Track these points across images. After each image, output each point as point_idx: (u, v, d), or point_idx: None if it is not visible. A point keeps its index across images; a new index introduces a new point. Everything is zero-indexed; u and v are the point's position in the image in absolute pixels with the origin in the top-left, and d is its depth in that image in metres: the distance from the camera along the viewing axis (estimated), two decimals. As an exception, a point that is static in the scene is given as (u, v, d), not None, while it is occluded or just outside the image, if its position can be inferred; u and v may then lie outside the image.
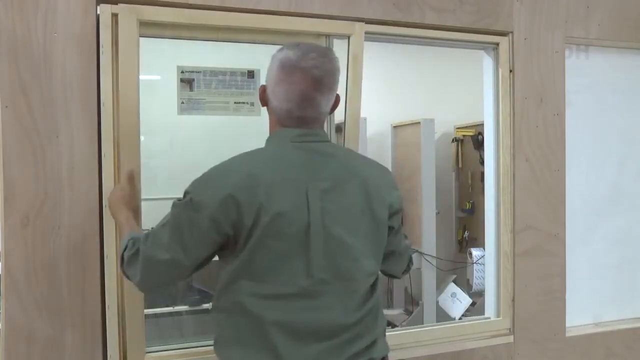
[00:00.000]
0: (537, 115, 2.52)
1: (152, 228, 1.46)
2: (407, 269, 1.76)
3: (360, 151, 3.66)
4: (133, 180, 1.83)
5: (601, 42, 2.68)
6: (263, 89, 1.47)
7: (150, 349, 2.04)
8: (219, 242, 1.36)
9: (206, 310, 3.48)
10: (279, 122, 1.45)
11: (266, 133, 1.52)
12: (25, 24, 1.82)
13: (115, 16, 1.91)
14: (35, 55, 1.83)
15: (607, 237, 2.76)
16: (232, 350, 1.39)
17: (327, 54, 1.44)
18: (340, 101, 1.56)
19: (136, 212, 1.78)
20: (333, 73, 1.43)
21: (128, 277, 1.48)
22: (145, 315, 2.00)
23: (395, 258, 1.64)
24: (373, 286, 1.48)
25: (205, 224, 1.32)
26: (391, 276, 1.75)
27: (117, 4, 1.89)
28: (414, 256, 3.79)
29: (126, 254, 1.45)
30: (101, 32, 1.90)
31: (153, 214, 3.42)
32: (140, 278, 1.41)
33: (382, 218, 1.45)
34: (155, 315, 3.40)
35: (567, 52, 2.61)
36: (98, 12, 1.91)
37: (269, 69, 1.46)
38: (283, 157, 1.38)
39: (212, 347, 1.51)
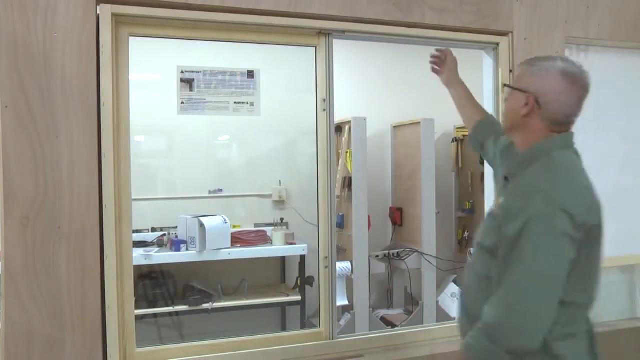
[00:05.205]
0: (537, 115, 2.52)
1: None
2: None
3: (361, 151, 3.71)
4: None
5: (601, 42, 2.68)
6: (532, 98, 1.52)
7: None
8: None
9: (206, 310, 3.49)
10: (548, 128, 1.53)
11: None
12: (25, 24, 1.82)
13: (115, 16, 1.91)
14: (35, 55, 1.83)
15: (607, 237, 2.73)
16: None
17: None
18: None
19: None
20: None
21: None
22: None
23: None
24: None
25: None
26: None
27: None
28: (414, 256, 3.81)
29: None
30: (101, 32, 1.90)
31: (153, 214, 3.46)
32: None
33: None
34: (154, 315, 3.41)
35: (567, 52, 2.61)
36: (98, 12, 1.91)
37: (542, 80, 1.54)
38: (578, 164, 1.58)
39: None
